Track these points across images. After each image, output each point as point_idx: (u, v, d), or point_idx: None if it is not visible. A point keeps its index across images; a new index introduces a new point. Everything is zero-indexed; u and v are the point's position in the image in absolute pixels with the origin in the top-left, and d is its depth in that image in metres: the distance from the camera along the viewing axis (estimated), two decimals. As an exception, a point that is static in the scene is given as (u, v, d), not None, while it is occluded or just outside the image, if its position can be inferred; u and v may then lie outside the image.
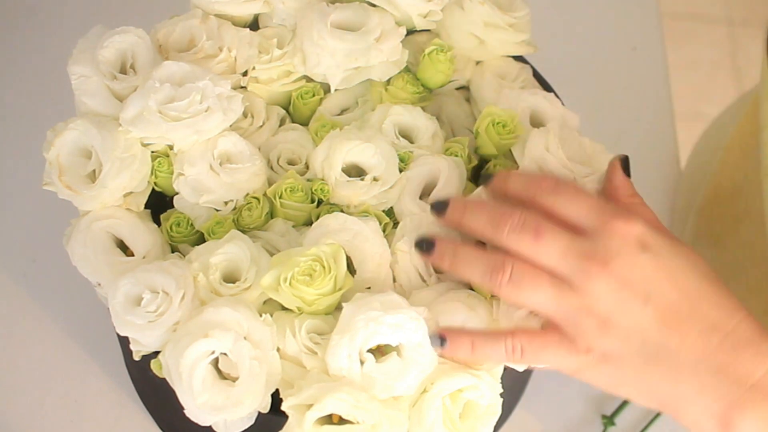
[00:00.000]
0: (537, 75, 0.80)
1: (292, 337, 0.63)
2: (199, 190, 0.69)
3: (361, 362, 0.61)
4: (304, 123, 0.77)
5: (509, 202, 0.64)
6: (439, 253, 0.65)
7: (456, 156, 0.73)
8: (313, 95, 0.76)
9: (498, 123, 0.72)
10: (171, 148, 0.70)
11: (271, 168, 0.74)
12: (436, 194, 0.70)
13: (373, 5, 0.76)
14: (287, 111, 0.77)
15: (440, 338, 0.62)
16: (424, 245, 0.65)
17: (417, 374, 0.62)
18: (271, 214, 0.71)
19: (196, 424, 0.63)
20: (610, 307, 0.60)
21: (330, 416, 0.61)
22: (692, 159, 1.06)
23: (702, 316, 0.60)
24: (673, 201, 1.03)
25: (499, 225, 0.62)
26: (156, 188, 0.71)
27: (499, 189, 0.66)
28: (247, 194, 0.70)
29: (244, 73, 0.75)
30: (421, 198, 0.71)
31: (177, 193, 0.70)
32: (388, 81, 0.76)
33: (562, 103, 0.76)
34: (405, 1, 0.75)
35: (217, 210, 0.70)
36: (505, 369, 0.66)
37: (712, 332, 0.59)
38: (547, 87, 0.79)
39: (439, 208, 0.66)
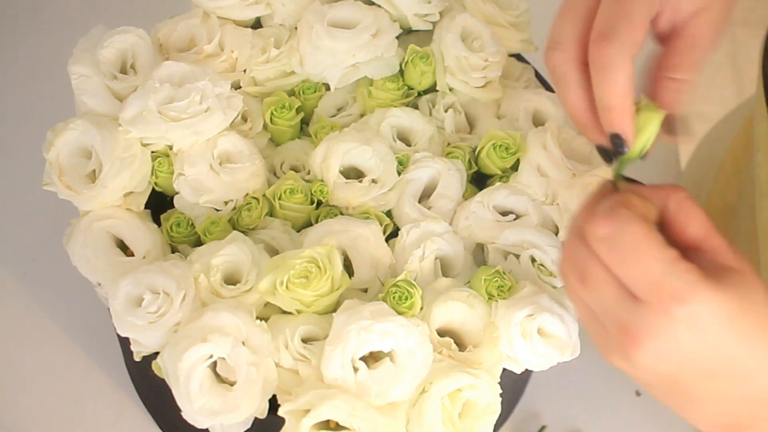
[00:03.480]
0: (538, 76, 0.80)
1: (285, 348, 0.63)
2: (199, 190, 0.69)
3: (355, 370, 0.61)
4: (306, 121, 0.77)
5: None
6: None
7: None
8: (315, 91, 0.76)
9: (500, 146, 0.72)
10: (171, 148, 0.70)
11: (275, 174, 0.74)
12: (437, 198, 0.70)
13: (371, 3, 0.76)
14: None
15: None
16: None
17: (409, 380, 0.62)
18: (271, 216, 0.71)
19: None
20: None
21: (327, 422, 0.61)
22: (688, 171, 1.05)
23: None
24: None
25: (563, 256, 0.57)
26: (156, 188, 0.71)
27: None
28: (247, 194, 0.70)
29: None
30: (420, 201, 0.71)
31: (177, 193, 0.70)
32: (371, 81, 0.76)
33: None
34: (403, 2, 0.75)
35: (218, 210, 0.70)
36: (504, 369, 0.66)
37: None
38: (548, 88, 0.79)
39: None
